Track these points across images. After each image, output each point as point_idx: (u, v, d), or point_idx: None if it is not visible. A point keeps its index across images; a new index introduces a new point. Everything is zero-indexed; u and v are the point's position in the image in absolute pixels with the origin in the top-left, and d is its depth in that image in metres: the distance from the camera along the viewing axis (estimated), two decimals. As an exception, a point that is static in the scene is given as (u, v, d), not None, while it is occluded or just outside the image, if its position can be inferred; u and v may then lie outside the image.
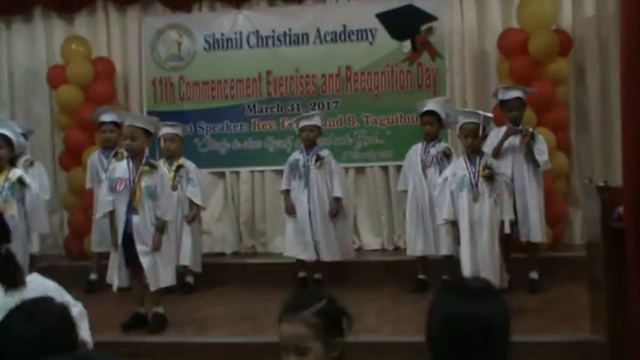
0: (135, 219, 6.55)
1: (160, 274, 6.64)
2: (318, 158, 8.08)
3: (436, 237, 7.63)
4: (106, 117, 8.28)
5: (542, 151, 7.50)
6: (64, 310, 2.79)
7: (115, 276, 6.61)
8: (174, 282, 6.90)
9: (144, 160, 6.66)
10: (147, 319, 6.77)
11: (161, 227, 6.62)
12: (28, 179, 6.85)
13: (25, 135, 8.28)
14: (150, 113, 8.92)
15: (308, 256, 8.04)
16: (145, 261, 6.53)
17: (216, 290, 8.15)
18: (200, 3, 9.67)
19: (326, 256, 8.02)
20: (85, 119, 8.85)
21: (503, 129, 7.61)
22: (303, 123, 8.17)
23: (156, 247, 6.59)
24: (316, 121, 8.16)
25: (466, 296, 2.43)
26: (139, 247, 6.54)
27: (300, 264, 8.11)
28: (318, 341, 2.70)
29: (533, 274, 7.61)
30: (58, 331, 2.65)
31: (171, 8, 9.69)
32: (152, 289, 6.63)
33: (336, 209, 8.10)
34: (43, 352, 2.38)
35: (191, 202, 8.19)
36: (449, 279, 2.35)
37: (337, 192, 8.04)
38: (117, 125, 8.17)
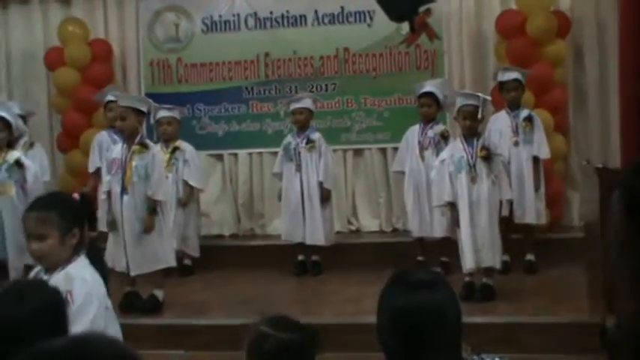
0: (125, 199, 6.56)
1: (148, 257, 6.62)
2: (309, 141, 8.05)
3: (432, 219, 7.65)
4: (111, 96, 8.25)
5: (541, 142, 7.55)
6: (56, 294, 2.76)
7: (119, 258, 6.60)
8: (167, 264, 6.86)
9: (137, 140, 6.66)
10: (140, 297, 6.78)
11: (152, 208, 6.59)
12: (26, 161, 6.87)
13: (24, 117, 8.29)
14: (148, 95, 8.87)
15: (302, 239, 8.04)
16: (129, 243, 6.54)
17: (215, 273, 8.15)
18: (198, -15, 9.62)
19: (310, 239, 7.98)
20: (82, 101, 8.85)
21: (502, 113, 7.66)
22: (293, 106, 8.17)
23: (147, 229, 6.56)
24: (306, 103, 8.13)
25: (415, 288, 2.40)
26: (126, 229, 6.55)
27: (298, 246, 8.11)
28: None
29: (530, 256, 7.63)
30: (49, 314, 2.57)
31: (168, -10, 9.64)
32: (132, 273, 6.61)
33: (326, 194, 8.06)
34: (31, 335, 2.32)
35: (184, 185, 8.17)
36: (400, 270, 2.35)
37: (320, 176, 7.98)
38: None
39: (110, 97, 8.18)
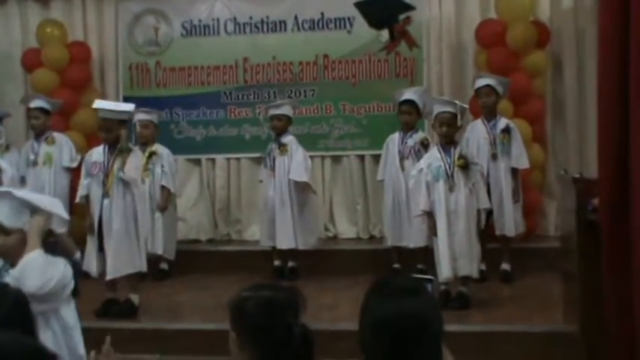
0: (106, 202, 6.54)
1: (124, 260, 6.58)
2: (281, 145, 8.04)
3: (411, 227, 7.64)
4: (33, 103, 8.30)
5: (520, 153, 7.57)
6: (19, 294, 2.90)
7: (93, 262, 6.56)
8: (141, 269, 6.79)
9: (119, 146, 6.63)
10: (118, 303, 6.74)
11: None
12: (3, 164, 6.83)
13: (0, 118, 8.25)
14: (126, 99, 8.87)
15: (274, 243, 8.02)
16: (109, 247, 6.51)
17: (191, 277, 8.12)
18: (178, -12, 9.59)
19: (282, 244, 7.93)
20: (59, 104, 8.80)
21: (479, 123, 7.67)
22: (272, 112, 8.13)
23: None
24: (285, 110, 8.11)
25: (399, 295, 2.41)
26: (106, 232, 6.52)
27: (275, 252, 8.09)
28: None
29: (505, 266, 7.65)
30: (16, 315, 2.73)
31: (148, -7, 9.61)
32: (108, 276, 6.58)
33: (299, 192, 7.99)
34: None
35: (162, 190, 8.13)
36: (382, 277, 2.37)
37: (292, 174, 7.92)
38: (42, 111, 8.28)
39: (30, 105, 8.21)
